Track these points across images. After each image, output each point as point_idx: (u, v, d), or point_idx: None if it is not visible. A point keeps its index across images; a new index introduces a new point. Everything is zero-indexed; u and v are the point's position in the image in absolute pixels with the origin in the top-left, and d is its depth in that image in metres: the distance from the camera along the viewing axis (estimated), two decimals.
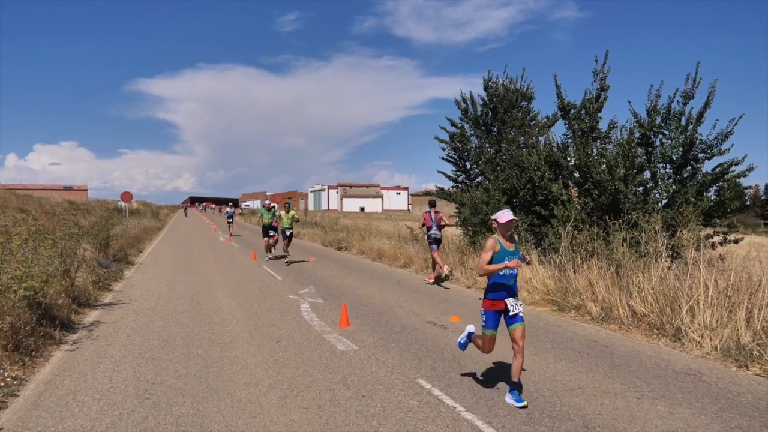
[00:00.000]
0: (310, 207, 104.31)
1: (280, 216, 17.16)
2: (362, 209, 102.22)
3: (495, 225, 5.04)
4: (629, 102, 11.57)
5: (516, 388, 4.87)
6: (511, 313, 4.94)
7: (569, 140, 12.81)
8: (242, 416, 4.60)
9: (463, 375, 5.70)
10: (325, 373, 5.78)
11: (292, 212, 16.94)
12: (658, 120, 11.09)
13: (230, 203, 29.86)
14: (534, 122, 16.25)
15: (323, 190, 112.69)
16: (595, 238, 9.95)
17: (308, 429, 4.34)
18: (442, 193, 17.58)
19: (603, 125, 12.61)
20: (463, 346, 5.62)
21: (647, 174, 11.14)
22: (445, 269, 12.23)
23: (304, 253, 20.05)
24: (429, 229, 12.65)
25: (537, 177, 12.35)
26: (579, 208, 11.53)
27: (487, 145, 16.37)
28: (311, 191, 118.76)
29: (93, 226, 15.84)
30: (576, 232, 10.74)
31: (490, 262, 4.89)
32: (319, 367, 6.00)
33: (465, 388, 5.28)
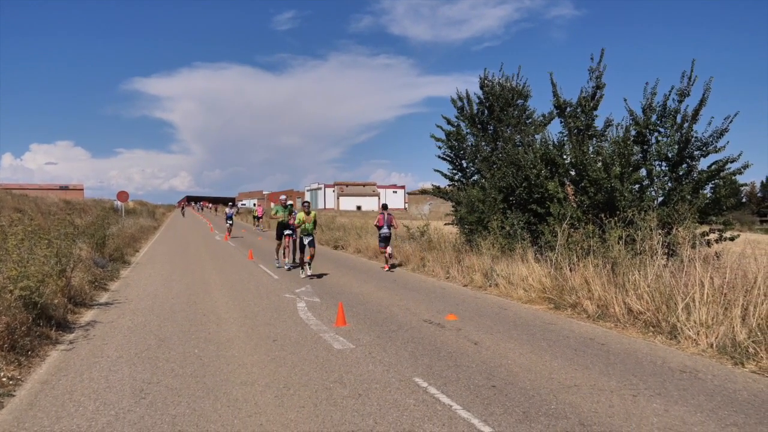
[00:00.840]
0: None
1: (296, 217, 14.15)
2: (359, 208, 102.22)
3: None
4: (625, 99, 11.61)
5: None
6: None
7: (565, 138, 12.82)
8: (238, 415, 4.59)
9: (459, 373, 5.71)
10: (321, 371, 5.78)
11: (313, 213, 13.77)
12: (654, 118, 11.11)
13: (230, 203, 29.31)
14: (530, 120, 16.27)
15: (320, 188, 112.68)
16: (591, 236, 9.97)
17: (304, 428, 4.34)
18: (438, 191, 17.58)
19: (599, 123, 12.64)
20: None
21: (643, 172, 11.16)
22: (388, 250, 15.03)
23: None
24: (380, 228, 14.94)
25: (533, 175, 12.36)
26: (575, 206, 11.55)
27: (484, 143, 16.37)
28: (308, 190, 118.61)
29: (89, 225, 15.82)
30: (572, 230, 10.76)
31: None
32: (315, 365, 5.99)
33: (461, 387, 5.28)
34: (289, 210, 16.17)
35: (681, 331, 6.84)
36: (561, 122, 13.17)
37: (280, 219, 16.01)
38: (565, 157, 12.37)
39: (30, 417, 4.59)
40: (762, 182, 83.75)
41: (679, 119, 10.86)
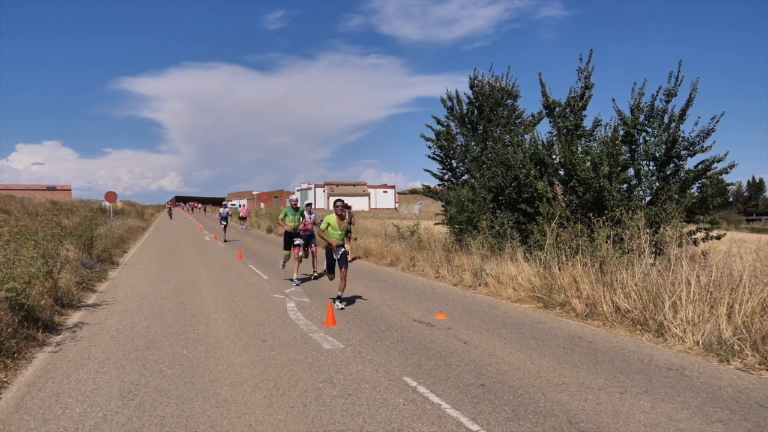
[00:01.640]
0: (297, 205, 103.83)
1: (315, 223, 12.22)
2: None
3: None
4: (613, 100, 11.68)
5: None
6: None
7: (554, 138, 12.89)
8: (228, 416, 4.58)
9: (448, 372, 5.73)
10: (311, 371, 5.77)
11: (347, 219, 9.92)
12: (642, 118, 11.19)
13: (223, 203, 28.99)
14: (519, 120, 16.35)
15: (310, 188, 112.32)
16: (579, 235, 10.03)
17: (294, 428, 4.33)
18: (428, 191, 17.62)
19: (588, 123, 12.71)
20: None
21: (631, 171, 11.24)
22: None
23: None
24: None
25: (522, 175, 12.41)
26: (564, 205, 11.61)
27: (473, 143, 16.44)
28: (297, 190, 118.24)
29: (76, 226, 15.68)
30: (561, 229, 10.83)
31: None
32: (305, 366, 5.99)
33: (450, 386, 5.30)
34: (301, 213, 12.93)
35: (668, 329, 6.90)
36: (550, 122, 13.23)
37: (288, 228, 12.71)
38: (554, 156, 12.44)
39: (16, 420, 4.55)
40: (748, 182, 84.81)
41: (666, 119, 10.96)
